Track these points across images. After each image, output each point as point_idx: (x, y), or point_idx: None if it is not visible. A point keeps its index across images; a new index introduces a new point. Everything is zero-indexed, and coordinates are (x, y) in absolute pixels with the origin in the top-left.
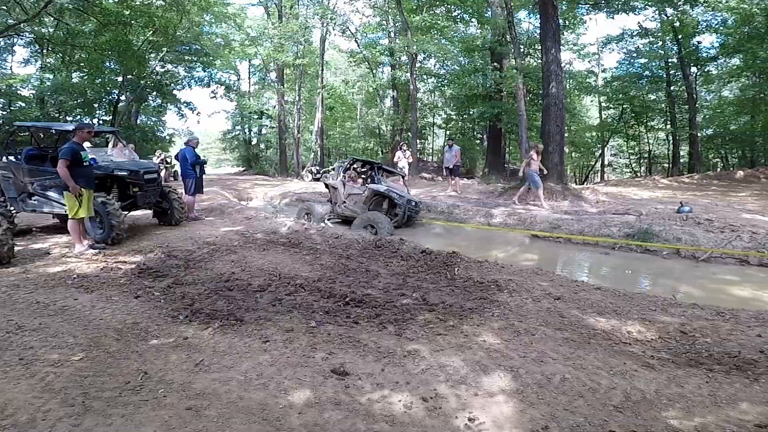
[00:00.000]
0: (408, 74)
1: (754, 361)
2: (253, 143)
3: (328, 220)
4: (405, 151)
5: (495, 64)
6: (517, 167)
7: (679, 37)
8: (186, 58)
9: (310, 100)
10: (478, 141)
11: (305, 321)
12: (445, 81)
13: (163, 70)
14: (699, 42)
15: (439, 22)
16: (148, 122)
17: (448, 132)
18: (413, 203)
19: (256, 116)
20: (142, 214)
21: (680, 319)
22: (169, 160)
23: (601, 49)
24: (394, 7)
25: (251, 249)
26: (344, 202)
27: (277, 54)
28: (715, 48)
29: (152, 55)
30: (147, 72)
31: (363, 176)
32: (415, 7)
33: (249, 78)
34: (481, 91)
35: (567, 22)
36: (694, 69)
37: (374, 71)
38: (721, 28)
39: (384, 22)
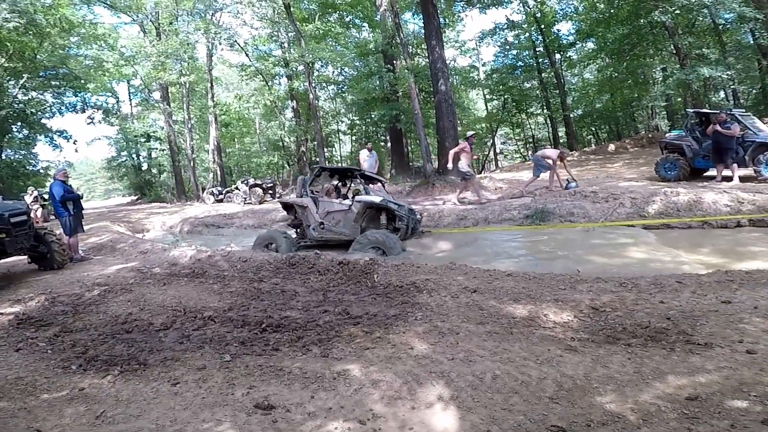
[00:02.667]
0: (306, 84)
1: (665, 329)
2: (143, 168)
3: (301, 244)
4: (371, 151)
5: (388, 66)
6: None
7: (542, 26)
8: (53, 83)
9: (202, 118)
10: (383, 144)
11: (219, 356)
12: (345, 87)
13: (26, 98)
14: (558, 30)
15: (332, 29)
16: (16, 156)
17: (353, 138)
18: (414, 212)
19: (143, 139)
20: (17, 260)
21: (589, 295)
22: (46, 196)
23: (479, 44)
24: (285, 17)
25: (150, 285)
26: (321, 223)
27: (158, 72)
28: (572, 34)
29: (11, 83)
30: (6, 101)
31: (336, 188)
32: (306, 16)
33: (130, 99)
34: (379, 94)
35: (447, 20)
36: (558, 55)
37: (269, 83)
38: (574, 15)
39: (275, 33)
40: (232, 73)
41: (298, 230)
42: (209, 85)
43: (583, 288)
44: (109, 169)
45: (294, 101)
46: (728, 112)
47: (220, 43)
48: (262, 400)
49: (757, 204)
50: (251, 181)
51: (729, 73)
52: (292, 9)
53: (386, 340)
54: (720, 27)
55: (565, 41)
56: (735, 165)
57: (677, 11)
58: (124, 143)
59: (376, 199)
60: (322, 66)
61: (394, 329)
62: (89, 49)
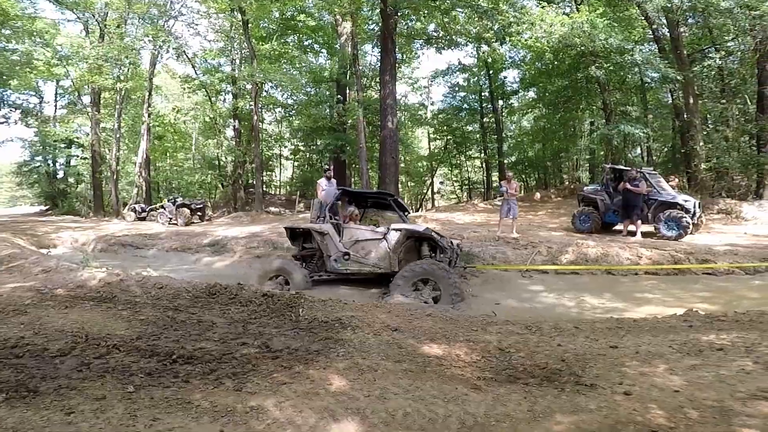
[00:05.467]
0: (252, 104)
1: (559, 370)
2: (58, 177)
3: (315, 278)
4: (331, 179)
5: (339, 96)
6: None
7: (491, 72)
8: None
9: (134, 127)
10: (325, 172)
11: (121, 386)
12: (293, 111)
13: None
14: (505, 77)
15: (289, 51)
16: None
17: (296, 164)
18: (455, 244)
19: (63, 145)
20: None
21: (497, 336)
22: None
23: (430, 82)
24: (241, 33)
25: (49, 308)
26: (346, 253)
27: (93, 76)
28: (516, 83)
29: None
30: None
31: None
32: (264, 35)
33: (55, 101)
34: (326, 123)
35: (404, 56)
36: (501, 102)
37: (213, 99)
38: (522, 64)
39: (228, 48)
40: (174, 84)
41: (312, 262)
42: (147, 94)
43: (493, 330)
44: (18, 174)
45: (237, 120)
46: (638, 170)
47: (167, 52)
48: None
49: (652, 259)
50: (179, 200)
51: (645, 131)
52: (250, 26)
53: (305, 376)
54: (645, 86)
55: (509, 88)
56: (639, 221)
57: (611, 68)
58: (41, 147)
59: (419, 227)
60: (271, 87)
61: (314, 364)
62: (21, 43)
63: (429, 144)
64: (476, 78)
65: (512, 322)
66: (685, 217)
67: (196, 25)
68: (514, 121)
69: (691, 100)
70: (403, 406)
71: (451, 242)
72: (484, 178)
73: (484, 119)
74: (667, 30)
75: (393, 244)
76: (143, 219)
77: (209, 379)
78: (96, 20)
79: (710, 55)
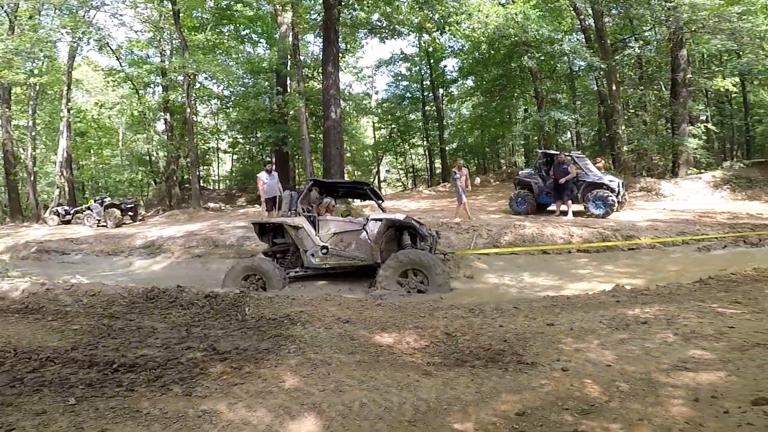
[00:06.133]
0: (184, 96)
1: (502, 351)
2: None
3: (292, 275)
4: (272, 172)
5: (278, 87)
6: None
7: (432, 61)
8: None
9: (52, 124)
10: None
11: (61, 399)
12: (230, 103)
13: None
14: (445, 66)
15: (224, 41)
16: None
17: (235, 157)
18: (434, 231)
19: None
20: None
21: (444, 321)
22: None
23: (374, 72)
24: (172, 23)
25: None
26: (324, 246)
27: (2, 71)
28: (456, 71)
29: None
30: None
31: (334, 205)
32: (197, 25)
33: None
34: (266, 115)
35: (348, 46)
36: (441, 90)
37: (141, 92)
38: (460, 53)
39: (157, 39)
40: (97, 77)
41: (286, 258)
42: (66, 88)
43: (439, 315)
44: None
45: (168, 114)
46: (566, 154)
47: (87, 43)
48: None
49: (583, 237)
50: (108, 200)
51: (574, 116)
52: (182, 15)
53: (257, 375)
54: (574, 74)
55: (449, 77)
56: (570, 201)
57: (542, 57)
58: None
59: (399, 216)
60: (206, 79)
61: (265, 363)
62: None
63: (374, 133)
64: (418, 67)
65: (457, 306)
66: (611, 196)
67: (121, 15)
68: (454, 108)
69: (614, 87)
70: (358, 397)
71: (430, 230)
72: (428, 165)
73: (426, 107)
74: (593, 20)
75: (374, 234)
76: (68, 222)
77: (155, 386)
78: (5, 11)
79: (630, 44)
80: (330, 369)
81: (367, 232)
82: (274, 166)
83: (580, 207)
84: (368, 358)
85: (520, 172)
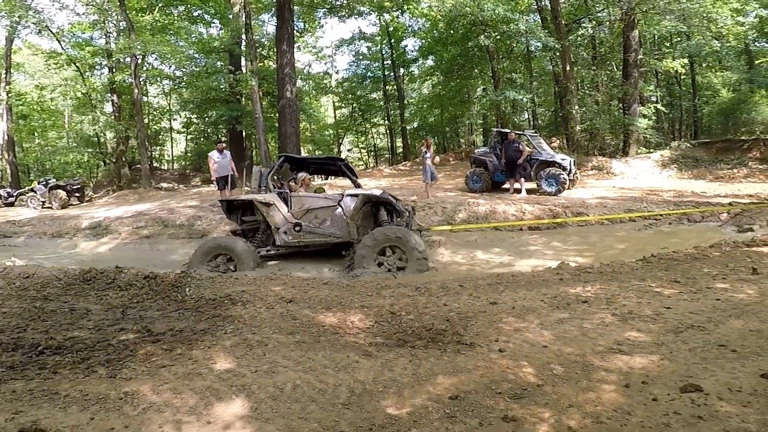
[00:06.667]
0: (131, 78)
1: (443, 331)
2: None
3: (263, 253)
4: (223, 151)
5: (231, 67)
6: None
7: (392, 41)
8: None
9: None
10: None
11: None
12: (182, 84)
13: None
14: (406, 45)
15: (173, 22)
16: None
17: (189, 137)
18: (411, 208)
19: None
20: None
21: (390, 300)
22: None
23: (335, 51)
24: (117, 5)
25: None
26: (297, 223)
27: None
28: (416, 51)
29: None
30: None
31: (310, 179)
32: (145, 6)
33: None
34: (218, 94)
35: (307, 25)
36: (402, 70)
37: (86, 74)
38: (420, 33)
39: (102, 21)
40: (39, 60)
41: (256, 237)
42: (4, 72)
43: (386, 294)
44: None
45: (115, 95)
46: (519, 132)
47: (25, 27)
48: (29, 425)
49: (534, 214)
50: (52, 181)
51: (528, 96)
52: None
53: (187, 357)
54: (531, 54)
55: (410, 56)
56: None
57: (499, 37)
58: None
59: (376, 192)
60: (155, 59)
61: (198, 345)
62: None
63: (335, 112)
64: (379, 47)
65: (404, 285)
66: (563, 174)
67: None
68: (414, 88)
69: (568, 67)
70: (292, 378)
71: (406, 205)
72: (389, 144)
73: (387, 87)
74: (549, 0)
75: (351, 210)
76: (11, 205)
77: (80, 368)
78: None
79: (584, 24)
80: (266, 350)
81: (342, 208)
82: (225, 145)
83: (533, 185)
84: (309, 338)
85: (476, 151)
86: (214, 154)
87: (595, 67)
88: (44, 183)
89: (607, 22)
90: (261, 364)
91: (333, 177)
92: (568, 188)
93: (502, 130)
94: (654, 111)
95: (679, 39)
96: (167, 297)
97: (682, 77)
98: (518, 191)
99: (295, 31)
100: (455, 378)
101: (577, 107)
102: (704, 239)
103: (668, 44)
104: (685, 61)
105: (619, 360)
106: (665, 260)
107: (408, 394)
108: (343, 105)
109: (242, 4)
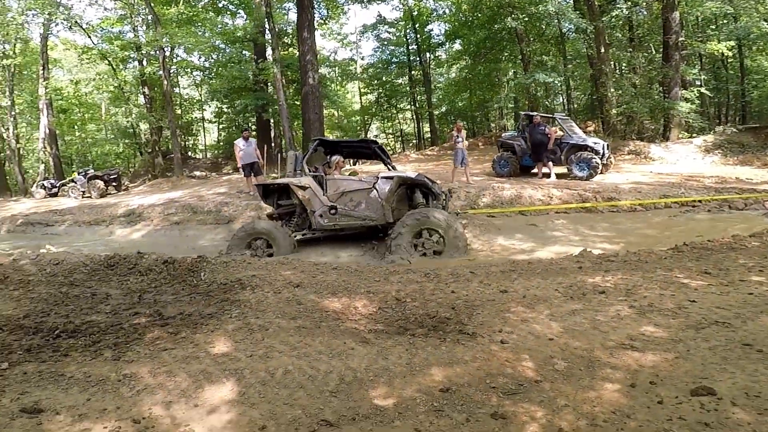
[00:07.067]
0: (161, 70)
1: (447, 319)
2: None
3: (299, 237)
4: (249, 139)
5: (254, 56)
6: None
7: (417, 25)
8: None
9: (33, 103)
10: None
11: None
12: (212, 74)
13: None
14: (431, 30)
15: (199, 14)
16: None
17: (221, 126)
18: (447, 190)
19: None
20: None
21: (397, 286)
22: None
23: (359, 38)
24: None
25: None
26: (333, 206)
27: None
28: (442, 35)
29: None
30: None
31: (343, 161)
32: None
33: None
34: (245, 83)
35: (330, 12)
36: (428, 54)
37: (119, 67)
38: (446, 16)
39: (129, 15)
40: (73, 55)
41: (292, 221)
42: (41, 68)
43: (394, 279)
44: None
45: (146, 87)
46: (547, 115)
47: (56, 24)
48: (30, 405)
49: (562, 198)
50: (91, 172)
51: (560, 79)
52: None
53: (190, 340)
54: (564, 36)
55: (436, 41)
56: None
57: (527, 18)
58: None
59: (411, 174)
60: (185, 50)
61: (202, 328)
62: None
63: (360, 98)
64: (402, 32)
65: (413, 270)
66: (595, 158)
67: None
68: (442, 73)
69: (602, 49)
70: (285, 364)
71: (442, 188)
72: (416, 129)
73: (413, 72)
74: None
75: (386, 193)
76: (54, 195)
77: (90, 351)
78: None
79: (618, 5)
80: (266, 334)
81: (377, 191)
82: (250, 133)
83: (563, 169)
84: (310, 323)
85: (503, 135)
86: (239, 142)
87: (631, 49)
88: (83, 174)
89: (644, 3)
90: (257, 348)
91: (364, 161)
92: (601, 173)
93: (529, 113)
94: (698, 95)
95: (725, 21)
96: (183, 281)
97: (729, 61)
98: (547, 175)
99: (317, 18)
100: (450, 369)
101: (612, 90)
102: (745, 228)
103: (714, 26)
104: (732, 43)
105: (628, 357)
106: (698, 249)
107: (399, 384)
108: (369, 91)
109: None
